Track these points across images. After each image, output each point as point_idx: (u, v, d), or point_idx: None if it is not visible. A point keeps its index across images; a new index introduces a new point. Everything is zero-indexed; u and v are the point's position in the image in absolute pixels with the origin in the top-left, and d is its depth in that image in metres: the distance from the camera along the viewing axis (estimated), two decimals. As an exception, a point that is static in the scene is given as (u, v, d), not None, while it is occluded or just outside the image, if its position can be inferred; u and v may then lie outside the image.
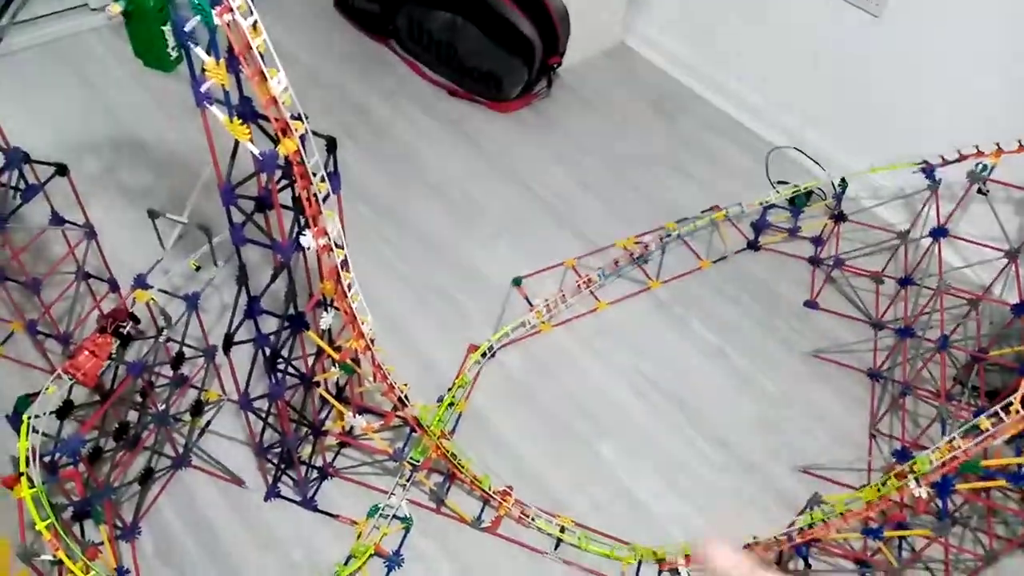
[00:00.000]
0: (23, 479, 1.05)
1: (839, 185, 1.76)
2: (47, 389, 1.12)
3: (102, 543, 1.20)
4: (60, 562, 1.03)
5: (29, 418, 1.10)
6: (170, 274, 1.29)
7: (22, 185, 1.22)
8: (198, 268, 1.30)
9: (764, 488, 1.48)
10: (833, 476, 1.49)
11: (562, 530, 1.37)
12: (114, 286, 1.48)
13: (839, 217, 1.74)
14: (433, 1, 2.10)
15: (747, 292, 1.80)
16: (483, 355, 1.61)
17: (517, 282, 1.74)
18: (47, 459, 1.13)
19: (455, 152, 2.05)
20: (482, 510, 1.40)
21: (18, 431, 1.12)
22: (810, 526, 1.22)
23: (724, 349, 1.69)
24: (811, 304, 1.77)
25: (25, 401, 1.14)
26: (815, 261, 1.84)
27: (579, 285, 1.72)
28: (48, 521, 1.03)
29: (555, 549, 1.36)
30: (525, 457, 1.49)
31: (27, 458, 1.06)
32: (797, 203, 1.85)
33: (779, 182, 2.01)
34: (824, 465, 1.51)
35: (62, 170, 1.27)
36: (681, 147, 2.13)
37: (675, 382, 1.62)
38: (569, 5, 2.07)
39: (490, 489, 1.37)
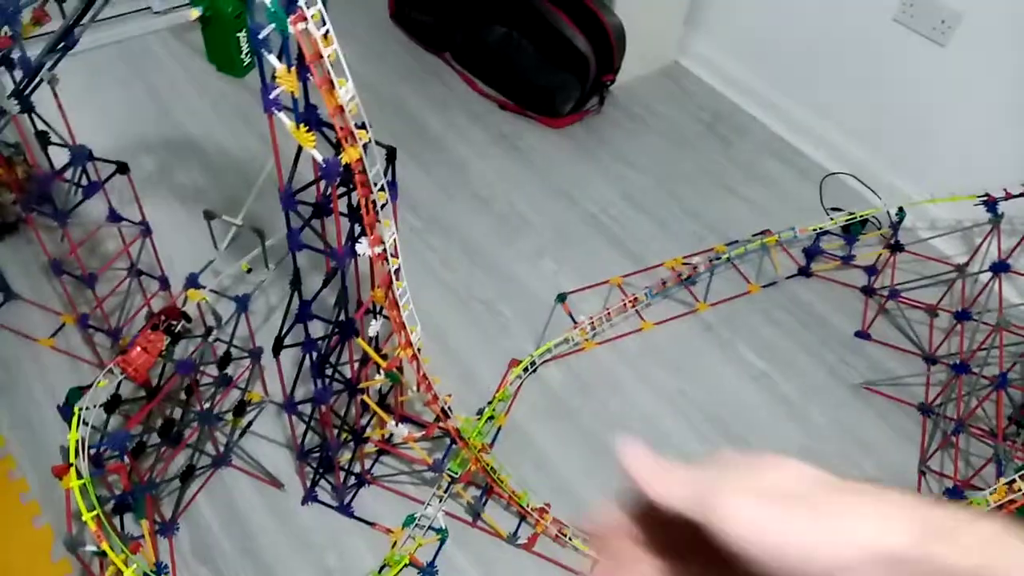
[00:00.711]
0: (72, 470, 1.06)
1: (896, 215, 1.72)
2: (99, 383, 1.13)
3: (141, 537, 1.21)
4: (103, 553, 1.04)
5: (80, 410, 1.11)
6: (221, 275, 1.31)
7: (84, 181, 1.24)
8: (249, 270, 1.31)
9: (807, 521, 1.45)
10: (880, 513, 1.45)
11: (599, 552, 1.35)
12: (164, 284, 1.51)
13: (895, 247, 1.70)
14: (490, 16, 2.11)
15: (796, 319, 1.76)
16: (525, 370, 1.60)
17: (562, 298, 1.73)
18: (93, 451, 1.15)
19: (504, 165, 2.06)
20: (518, 526, 1.39)
21: (69, 422, 1.14)
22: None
23: (771, 375, 1.66)
24: (862, 335, 1.73)
25: (77, 393, 1.16)
26: (868, 291, 1.80)
27: (625, 304, 1.70)
28: (94, 512, 1.05)
29: (591, 570, 1.34)
30: (564, 475, 1.48)
31: (76, 449, 1.08)
32: (852, 231, 1.81)
33: (833, 208, 1.98)
34: (871, 501, 1.46)
35: (122, 168, 1.29)
36: (733, 169, 2.11)
37: (719, 406, 1.60)
38: (625, 23, 2.06)
39: (528, 506, 1.36)
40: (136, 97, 2.08)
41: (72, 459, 1.07)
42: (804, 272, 1.84)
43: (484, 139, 2.12)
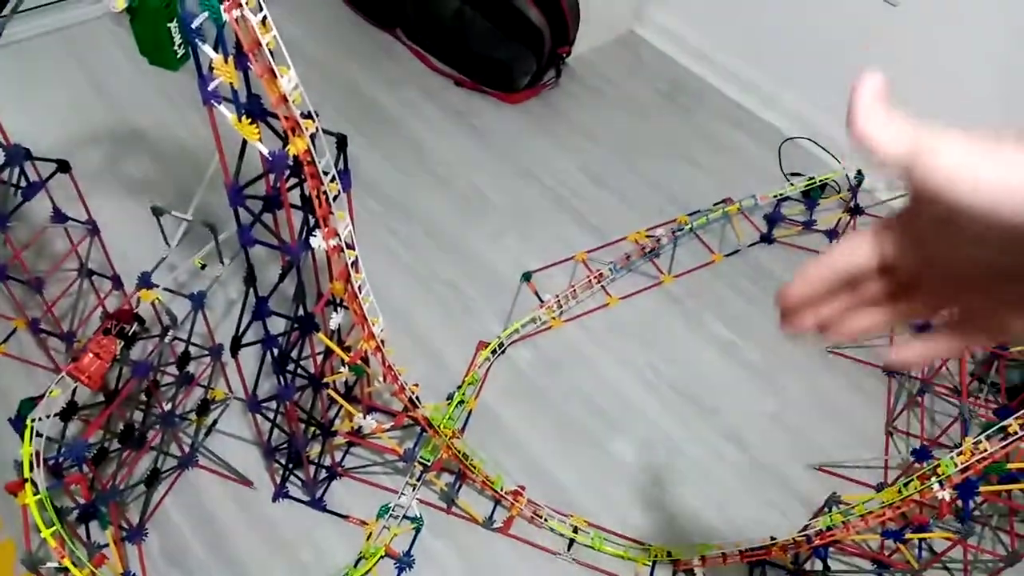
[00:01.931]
0: (27, 485, 1.03)
1: (855, 177, 1.73)
2: (51, 392, 1.09)
3: (107, 546, 1.18)
4: (65, 570, 1.01)
5: (33, 422, 1.08)
6: (175, 272, 1.27)
7: (23, 183, 1.19)
8: (204, 266, 1.27)
9: (780, 487, 1.46)
10: (850, 474, 1.47)
11: (575, 530, 1.35)
12: (117, 283, 1.46)
13: (855, 210, 1.71)
14: (441, -11, 2.06)
15: (760, 287, 1.77)
16: (493, 352, 1.59)
17: (527, 277, 1.71)
18: (51, 462, 1.11)
19: (463, 143, 2.02)
20: (494, 510, 1.38)
21: (21, 435, 1.10)
22: (829, 528, 1.20)
23: (738, 344, 1.66)
24: (826, 299, 1.74)
25: (29, 404, 1.12)
26: (830, 255, 1.80)
27: (590, 280, 1.69)
28: (53, 528, 1.02)
29: (568, 550, 1.34)
30: (537, 455, 1.47)
31: (31, 463, 1.04)
32: (812, 196, 1.81)
33: (793, 174, 1.98)
34: (841, 463, 1.48)
35: (64, 166, 1.24)
36: (693, 137, 2.10)
37: (688, 378, 1.60)
38: (579, -7, 2.03)
39: (502, 489, 1.35)
40: (79, 88, 1.99)
41: (27, 474, 1.03)
42: (766, 239, 1.85)
43: (440, 117, 2.08)
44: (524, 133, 2.06)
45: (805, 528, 1.23)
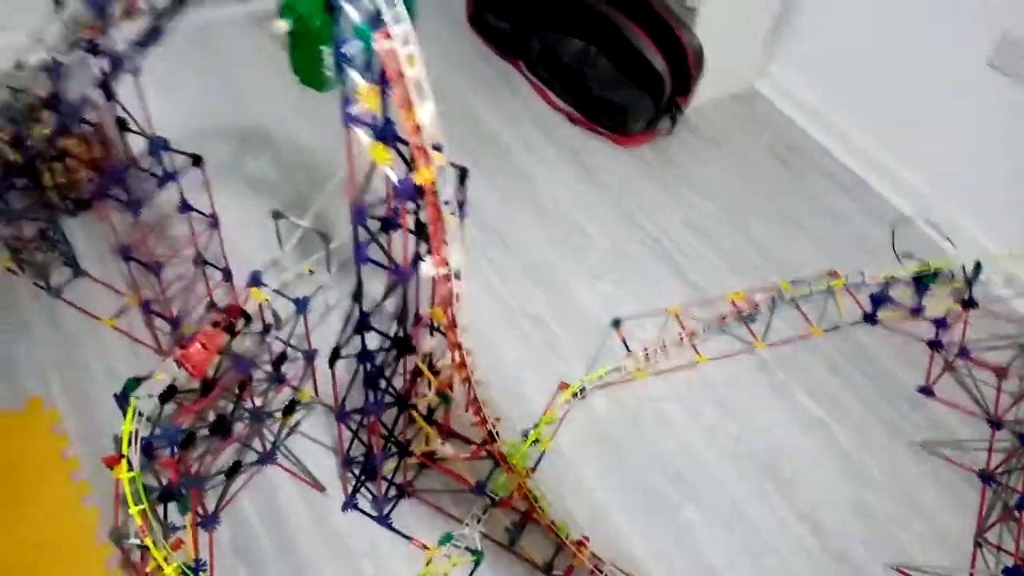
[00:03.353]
0: (123, 461, 1.07)
1: (973, 269, 1.65)
2: (156, 376, 1.14)
3: (183, 528, 1.23)
4: (146, 548, 1.05)
5: (136, 400, 1.13)
6: (284, 275, 1.31)
7: (159, 171, 1.26)
8: (311, 272, 1.31)
9: (853, 580, 1.40)
10: (930, 580, 1.40)
11: (635, 591, 1.32)
12: (227, 275, 1.52)
13: (969, 303, 1.63)
14: (568, 28, 2.09)
15: (857, 367, 1.71)
16: (574, 395, 1.58)
17: (617, 323, 1.70)
18: (143, 441, 1.16)
19: (571, 181, 2.03)
20: (554, 556, 1.36)
21: (124, 411, 1.15)
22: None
23: (826, 423, 1.61)
24: (926, 391, 1.67)
25: (134, 383, 1.17)
26: (936, 345, 1.73)
27: (681, 337, 1.67)
28: (141, 507, 1.06)
29: (625, 609, 1.32)
30: (604, 507, 1.45)
31: (130, 440, 1.09)
32: (924, 281, 1.74)
33: (904, 254, 1.91)
34: (921, 566, 1.41)
35: (197, 161, 1.30)
36: (802, 202, 2.05)
37: (770, 451, 1.55)
38: (705, 44, 2.02)
39: (567, 537, 1.33)
40: (213, 86, 2.11)
41: (125, 450, 1.08)
42: (869, 319, 1.78)
43: (552, 153, 2.10)
44: (634, 178, 2.06)
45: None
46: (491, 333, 1.67)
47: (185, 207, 1.39)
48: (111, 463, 1.08)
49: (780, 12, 2.18)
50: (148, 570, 1.09)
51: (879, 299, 1.75)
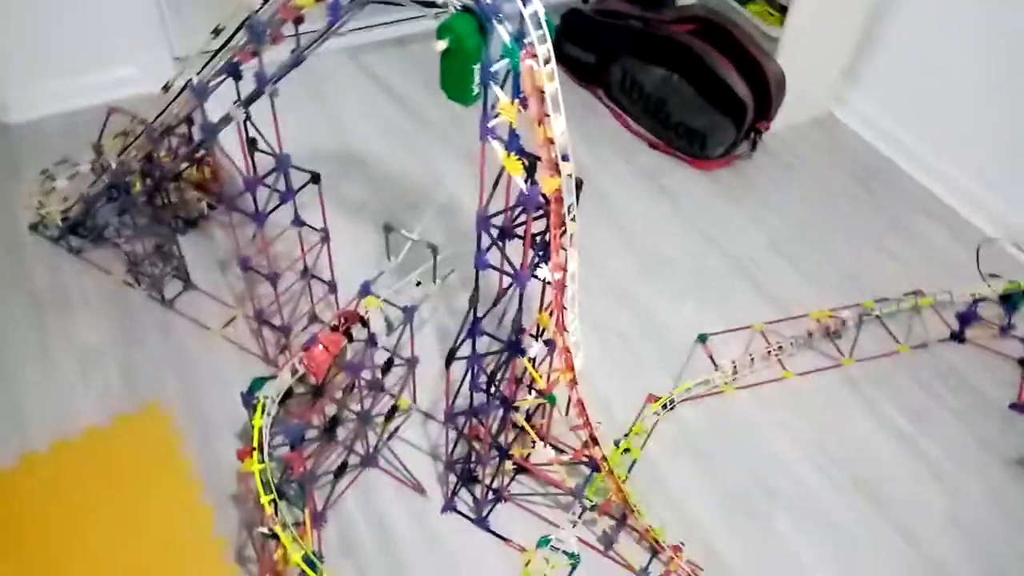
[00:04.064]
0: (255, 454, 1.15)
1: (1066, 287, 1.65)
2: (283, 375, 1.22)
3: (300, 524, 1.29)
4: (275, 536, 1.12)
5: (265, 398, 1.21)
6: (394, 285, 1.39)
7: (282, 187, 1.35)
8: (419, 283, 1.38)
9: (951, 595, 1.39)
10: (1031, 597, 1.38)
11: (731, 598, 1.34)
12: (333, 288, 1.60)
13: (1063, 321, 1.63)
14: (651, 56, 2.15)
15: (947, 384, 1.71)
16: (663, 406, 1.61)
17: (703, 339, 1.74)
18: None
19: (651, 203, 2.08)
20: (650, 561, 1.39)
21: (249, 408, 1.23)
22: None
23: (917, 439, 1.61)
24: (1018, 407, 1.66)
25: (260, 382, 1.26)
26: (1027, 364, 1.73)
27: (768, 351, 1.69)
28: (271, 496, 1.13)
29: (721, 616, 1.33)
30: (696, 516, 1.47)
31: (260, 435, 1.17)
32: (1012, 300, 1.74)
33: (990, 275, 1.90)
34: (1022, 583, 1.40)
35: (315, 178, 1.39)
36: (885, 225, 2.07)
37: (861, 464, 1.56)
38: (786, 71, 2.07)
39: (664, 542, 1.36)
40: (312, 113, 2.23)
41: (255, 443, 1.16)
42: (957, 337, 1.78)
43: (630, 176, 2.16)
44: (713, 200, 2.10)
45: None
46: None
47: (298, 221, 1.48)
48: (243, 456, 1.15)
49: (861, 41, 2.22)
50: (275, 558, 1.15)
51: (967, 317, 1.75)
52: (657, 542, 1.37)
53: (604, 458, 1.30)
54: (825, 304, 1.79)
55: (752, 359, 1.68)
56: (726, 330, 1.76)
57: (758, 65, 2.02)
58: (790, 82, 2.08)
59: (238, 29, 1.13)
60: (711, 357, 1.71)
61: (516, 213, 1.08)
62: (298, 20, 1.11)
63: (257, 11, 1.08)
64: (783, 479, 1.53)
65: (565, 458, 1.30)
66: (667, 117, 2.15)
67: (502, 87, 0.87)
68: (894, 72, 2.22)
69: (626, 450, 1.53)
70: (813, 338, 1.73)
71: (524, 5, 0.80)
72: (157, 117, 1.41)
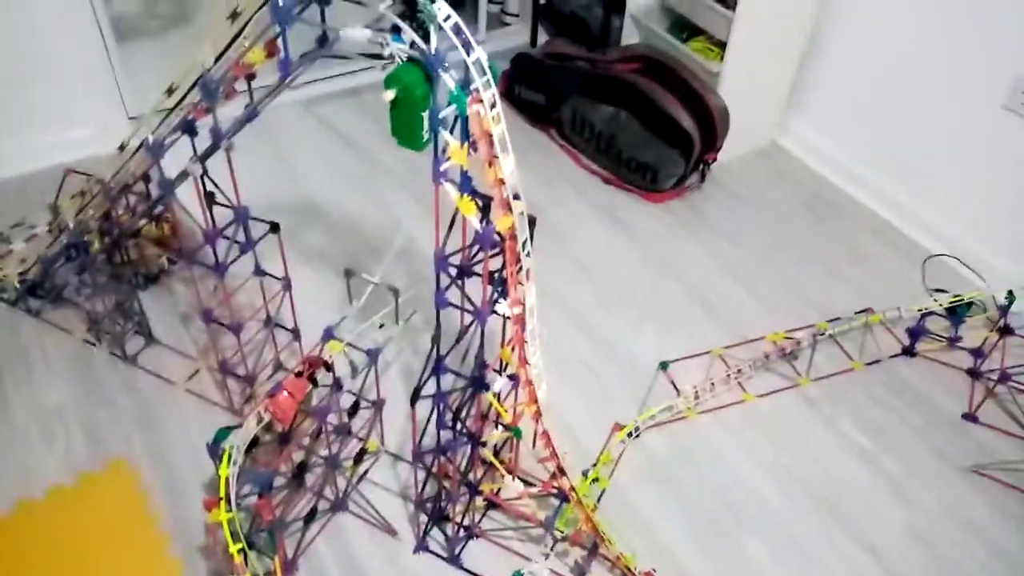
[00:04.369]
0: (222, 503, 1.15)
1: (1006, 298, 1.72)
2: (249, 423, 1.23)
3: (266, 574, 1.28)
4: (246, 585, 1.12)
5: (231, 448, 1.21)
6: (357, 329, 1.40)
7: (241, 238, 1.37)
8: (382, 326, 1.40)
9: (917, 605, 1.43)
10: (996, 602, 1.42)
11: (704, 621, 1.36)
12: (296, 335, 1.61)
13: (1005, 330, 1.69)
14: (599, 95, 2.22)
15: (901, 398, 1.76)
16: (629, 435, 1.64)
17: (664, 366, 1.77)
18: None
19: (606, 236, 2.14)
20: (623, 589, 1.41)
21: (215, 459, 1.23)
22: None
23: (875, 454, 1.65)
24: (970, 417, 1.71)
25: (224, 432, 1.26)
26: (975, 373, 1.78)
27: (728, 375, 1.73)
28: (240, 546, 1.13)
29: (696, 639, 1.35)
30: (666, 542, 1.49)
31: (227, 484, 1.17)
32: (958, 313, 1.81)
33: (936, 290, 1.98)
34: (986, 589, 1.44)
35: (275, 228, 1.41)
36: (833, 247, 2.14)
37: (823, 482, 1.60)
38: (728, 104, 2.15)
39: (636, 569, 1.38)
40: (268, 165, 2.26)
41: (222, 492, 1.16)
42: (908, 352, 1.84)
43: (586, 210, 2.21)
44: (667, 231, 2.16)
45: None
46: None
47: (259, 271, 1.50)
48: (210, 506, 1.15)
49: (798, 71, 2.32)
50: (246, 608, 1.15)
51: (917, 332, 1.81)
52: (629, 570, 1.38)
53: (572, 488, 1.32)
54: (780, 326, 1.84)
55: (713, 384, 1.72)
56: (686, 356, 1.80)
57: (701, 99, 2.10)
58: (733, 114, 2.16)
59: (192, 87, 1.15)
60: (673, 383, 1.74)
61: (473, 252, 1.11)
62: (250, 76, 1.14)
63: (209, 69, 1.11)
64: (749, 501, 1.56)
65: (534, 491, 1.32)
66: (618, 153, 2.21)
67: (451, 132, 0.91)
68: (831, 99, 2.32)
69: (595, 480, 1.54)
70: (770, 360, 1.78)
71: (468, 53, 0.84)
72: (114, 176, 1.42)
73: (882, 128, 2.20)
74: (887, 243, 2.17)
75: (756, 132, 2.42)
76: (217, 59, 1.10)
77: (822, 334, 1.80)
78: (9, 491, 1.49)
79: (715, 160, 2.19)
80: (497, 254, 1.05)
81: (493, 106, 0.89)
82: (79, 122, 2.19)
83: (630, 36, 2.50)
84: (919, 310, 1.79)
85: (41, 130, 2.17)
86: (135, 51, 2.37)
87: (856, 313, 1.85)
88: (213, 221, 1.33)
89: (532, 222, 1.11)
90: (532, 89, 2.40)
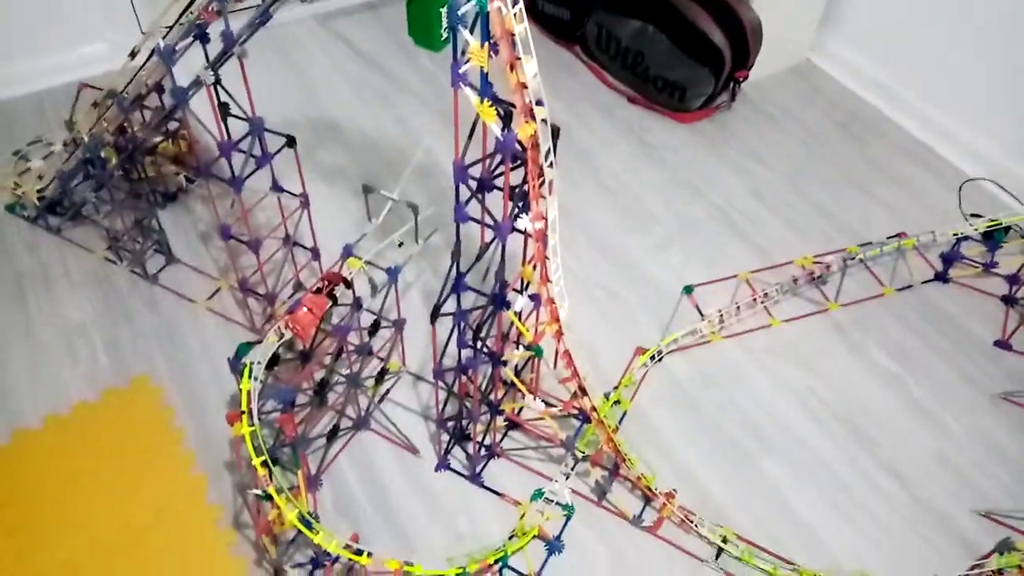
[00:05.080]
0: (244, 417, 1.15)
1: (1046, 221, 1.66)
2: (269, 338, 1.22)
3: (290, 488, 1.29)
4: (268, 497, 1.12)
5: (251, 363, 1.20)
6: (376, 247, 1.38)
7: (257, 152, 1.33)
8: (401, 244, 1.38)
9: (940, 527, 1.41)
10: (1018, 525, 1.41)
11: (724, 540, 1.36)
12: (316, 255, 1.59)
13: (1044, 255, 1.64)
14: (625, 9, 2.13)
15: (932, 324, 1.72)
16: (651, 358, 1.62)
17: (688, 290, 1.74)
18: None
19: (632, 158, 2.08)
20: (643, 509, 1.41)
21: (237, 374, 1.23)
22: (1000, 570, 1.16)
23: (904, 379, 1.62)
24: (1003, 344, 1.67)
25: (246, 347, 1.25)
26: (1010, 300, 1.73)
27: (754, 299, 1.70)
28: (263, 458, 1.13)
29: (716, 559, 1.35)
30: (687, 464, 1.49)
31: (248, 398, 1.17)
32: (995, 238, 1.75)
33: (972, 215, 1.91)
34: (1010, 512, 1.42)
35: (291, 142, 1.38)
36: (868, 169, 2.07)
37: (849, 407, 1.57)
38: (762, 19, 2.05)
39: (656, 489, 1.38)
40: (284, 80, 2.21)
41: (244, 406, 1.16)
42: (941, 277, 1.79)
43: (611, 131, 2.15)
44: (694, 152, 2.10)
45: (974, 568, 1.19)
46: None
47: (276, 187, 1.47)
48: (233, 419, 1.15)
49: (834, -17, 2.20)
50: (270, 519, 1.16)
51: (950, 257, 1.76)
52: (650, 490, 1.38)
53: (594, 408, 1.31)
54: (810, 251, 1.80)
55: (738, 308, 1.68)
56: (712, 280, 1.77)
57: (734, 13, 2.00)
58: (766, 29, 2.06)
59: (202, -12, 1.11)
60: (697, 307, 1.71)
61: (494, 164, 1.07)
62: (262, -24, 1.09)
63: (220, -32, 1.06)
64: (772, 424, 1.55)
65: (555, 410, 1.31)
66: (645, 70, 2.13)
67: (471, 32, 0.86)
68: (870, 15, 2.21)
69: (616, 402, 1.54)
70: (798, 284, 1.74)
71: (489, -56, 0.79)
72: (126, 86, 1.38)
73: (922, 46, 2.09)
74: (924, 166, 2.09)
75: (790, 49, 2.32)
76: (227, -42, 1.05)
77: (852, 258, 1.75)
78: (38, 406, 1.51)
79: (746, 78, 2.11)
80: (518, 166, 1.01)
81: (515, 2, 0.83)
82: (93, 38, 2.14)
83: (660, -53, 2.38)
84: (954, 234, 1.73)
85: (56, 48, 2.13)
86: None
87: (888, 238, 1.79)
88: (228, 133, 1.30)
89: (556, 132, 1.07)
90: (556, 3, 2.31)
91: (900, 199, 1.99)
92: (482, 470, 1.45)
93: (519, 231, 1.07)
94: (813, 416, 1.56)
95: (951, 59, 2.04)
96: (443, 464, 1.46)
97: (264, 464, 1.12)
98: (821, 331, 1.71)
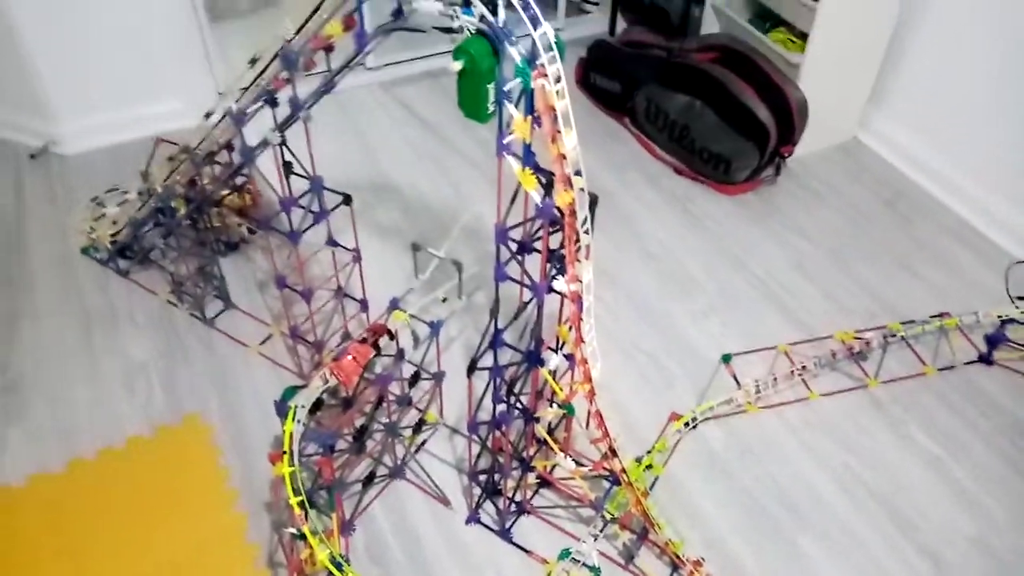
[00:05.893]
0: (285, 457, 1.20)
1: (1094, 307, 1.64)
2: (314, 383, 1.28)
3: (326, 530, 1.33)
4: (303, 536, 1.16)
5: (296, 407, 1.26)
6: (421, 302, 1.44)
7: (316, 208, 1.42)
8: (444, 299, 1.44)
9: (977, 616, 1.38)
10: (1061, 619, 1.36)
11: (751, 613, 1.35)
12: (364, 306, 1.66)
13: (1091, 341, 1.61)
14: (674, 84, 2.21)
15: (975, 406, 1.70)
16: (686, 424, 1.63)
17: (727, 359, 1.76)
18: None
19: (676, 226, 2.12)
20: (671, 575, 1.40)
21: (282, 416, 1.28)
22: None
23: (944, 460, 1.60)
24: (1048, 430, 1.64)
25: (292, 391, 1.31)
26: (1056, 385, 1.71)
27: (792, 371, 1.70)
28: (300, 498, 1.18)
29: (742, 631, 1.34)
30: (718, 533, 1.49)
31: (290, 439, 1.22)
32: (1041, 321, 1.74)
33: (1019, 297, 1.89)
34: (1052, 606, 1.38)
35: (347, 200, 1.46)
36: (912, 247, 2.07)
37: (887, 485, 1.56)
38: (809, 97, 2.10)
39: (684, 556, 1.38)
40: (346, 141, 2.33)
41: (286, 447, 1.21)
42: (985, 359, 1.77)
43: (657, 199, 2.20)
44: (738, 223, 2.13)
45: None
46: (603, 367, 1.74)
47: (332, 242, 1.55)
48: (274, 459, 1.21)
49: (883, 65, 2.25)
50: (302, 558, 1.20)
51: (995, 339, 1.75)
52: (677, 556, 1.38)
53: (623, 470, 1.33)
54: (850, 326, 1.80)
55: (776, 379, 1.69)
56: (750, 350, 1.78)
57: (780, 91, 2.06)
58: (813, 107, 2.11)
59: (273, 58, 1.20)
60: (735, 376, 1.72)
61: (534, 228, 1.13)
62: (328, 48, 1.18)
63: (290, 41, 1.15)
64: (807, 498, 1.54)
65: (586, 470, 1.33)
66: (691, 143, 2.19)
67: (516, 105, 0.93)
68: (917, 95, 2.24)
69: (648, 466, 1.55)
70: (837, 359, 1.74)
71: (534, 28, 0.86)
72: (200, 143, 1.49)
73: (969, 126, 2.11)
74: (969, 246, 2.08)
75: (837, 127, 2.36)
76: (297, 32, 1.15)
77: (894, 335, 1.75)
78: (95, 439, 1.59)
79: (791, 153, 2.15)
80: (557, 230, 1.07)
81: (558, 80, 0.90)
82: (170, 95, 2.30)
83: (710, 26, 2.47)
84: (999, 316, 1.72)
85: (134, 102, 2.29)
86: (226, 30, 2.47)
87: (931, 317, 1.79)
88: (289, 189, 1.39)
89: (594, 200, 1.12)
90: (608, 77, 2.40)
91: (944, 279, 1.99)
92: (511, 526, 1.47)
93: (555, 292, 1.12)
94: (849, 493, 1.55)
95: (1000, 140, 2.05)
96: (474, 518, 1.48)
97: (301, 504, 1.17)
98: (860, 407, 1.70)
